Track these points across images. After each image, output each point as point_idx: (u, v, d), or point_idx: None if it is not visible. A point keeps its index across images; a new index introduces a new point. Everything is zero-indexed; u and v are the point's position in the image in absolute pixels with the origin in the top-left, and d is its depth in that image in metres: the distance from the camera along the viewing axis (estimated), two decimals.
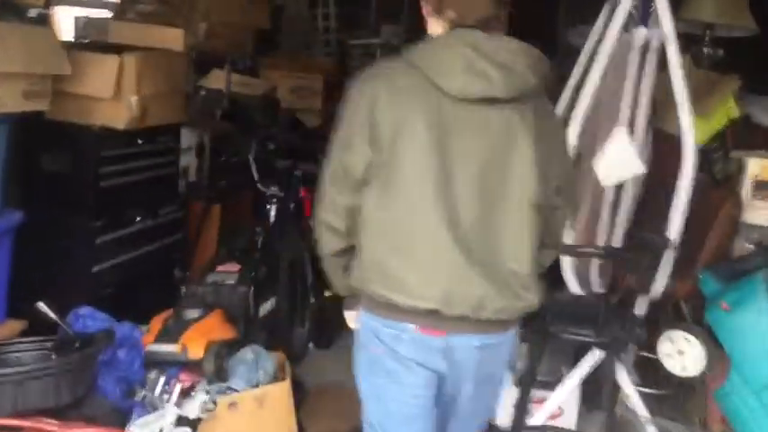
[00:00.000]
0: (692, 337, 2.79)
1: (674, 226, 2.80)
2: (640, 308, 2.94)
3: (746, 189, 3.19)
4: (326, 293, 4.15)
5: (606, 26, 3.28)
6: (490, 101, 1.74)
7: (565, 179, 1.93)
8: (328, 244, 1.87)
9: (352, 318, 1.96)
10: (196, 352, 2.82)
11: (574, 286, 3.00)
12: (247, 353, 2.91)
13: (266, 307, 3.44)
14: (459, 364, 1.84)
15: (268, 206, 4.02)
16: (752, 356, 2.62)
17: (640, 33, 2.83)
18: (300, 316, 3.79)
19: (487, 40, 1.75)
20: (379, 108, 1.73)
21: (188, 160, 3.79)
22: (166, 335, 2.88)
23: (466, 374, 1.86)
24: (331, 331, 4.08)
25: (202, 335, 2.90)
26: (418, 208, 1.74)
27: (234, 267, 3.43)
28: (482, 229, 1.77)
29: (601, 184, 2.88)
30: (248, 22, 4.57)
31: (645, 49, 2.86)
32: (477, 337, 1.82)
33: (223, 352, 2.88)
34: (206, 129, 3.93)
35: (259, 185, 3.99)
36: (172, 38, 3.20)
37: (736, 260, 2.99)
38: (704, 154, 3.44)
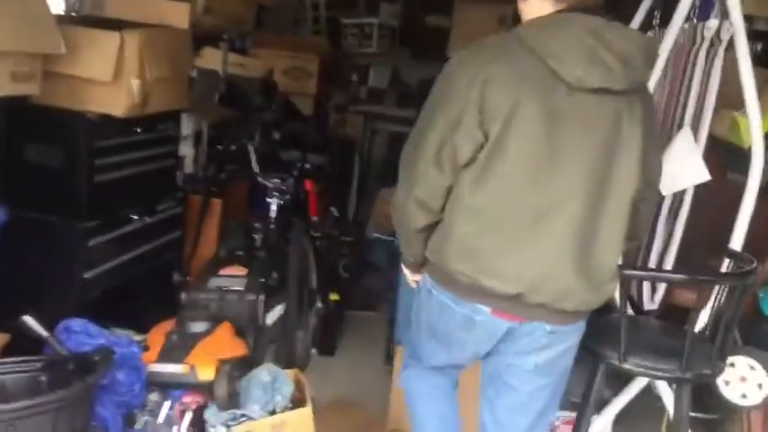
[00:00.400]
0: (757, 364, 2.56)
1: (737, 240, 2.56)
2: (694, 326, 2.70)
3: None
4: (333, 296, 3.86)
5: (650, 18, 3.09)
6: (606, 91, 1.71)
7: (657, 173, 1.92)
8: (417, 220, 1.85)
9: (410, 274, 2.08)
10: (206, 373, 2.50)
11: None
12: (262, 374, 2.58)
13: (274, 315, 3.11)
14: (524, 347, 1.85)
15: (269, 200, 3.68)
16: None
17: (712, 24, 2.55)
18: (305, 322, 3.47)
19: (608, 28, 1.71)
20: (491, 91, 1.68)
21: (184, 150, 3.41)
22: (171, 352, 2.55)
23: (528, 358, 1.87)
24: (335, 336, 3.79)
25: (211, 353, 2.57)
26: (517, 195, 1.73)
27: (240, 271, 3.09)
28: (581, 221, 1.75)
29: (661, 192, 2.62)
30: None
31: (713, 42, 2.58)
32: (550, 325, 1.83)
33: (235, 373, 2.56)
34: (209, 115, 3.55)
35: (259, 178, 3.66)
36: (176, 13, 2.82)
37: None
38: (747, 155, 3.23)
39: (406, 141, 1.89)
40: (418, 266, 2.00)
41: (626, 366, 2.08)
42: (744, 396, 2.59)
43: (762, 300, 2.66)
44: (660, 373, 2.09)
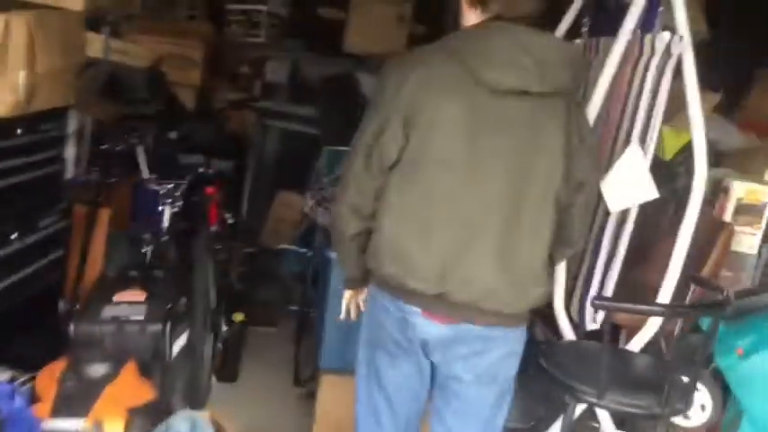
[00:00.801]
0: (701, 385, 2.51)
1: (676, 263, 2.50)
2: (635, 346, 2.63)
3: (729, 212, 2.97)
4: (237, 316, 3.50)
5: (577, 26, 3.00)
6: (524, 94, 1.78)
7: (588, 175, 1.92)
8: (350, 226, 1.89)
9: (351, 297, 2.09)
10: (115, 428, 2.09)
11: (569, 331, 2.61)
12: (180, 424, 2.20)
13: (178, 345, 2.71)
14: (460, 352, 1.86)
15: (161, 208, 3.27)
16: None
17: (665, 37, 2.45)
18: (209, 349, 3.09)
19: (529, 35, 1.81)
20: (415, 94, 1.77)
21: (66, 151, 2.91)
22: (69, 404, 2.13)
23: (466, 364, 1.88)
24: (238, 361, 3.42)
25: (118, 402, 2.17)
26: (440, 195, 1.78)
27: (137, 295, 2.68)
28: (502, 220, 1.79)
29: (609, 209, 2.51)
30: None
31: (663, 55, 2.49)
32: (478, 326, 1.84)
33: (148, 424, 2.17)
34: (91, 111, 3.06)
35: (147, 182, 3.24)
36: None
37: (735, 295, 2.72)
38: (668, 168, 3.23)
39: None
40: (359, 283, 2.03)
41: (603, 403, 1.92)
42: (687, 418, 2.54)
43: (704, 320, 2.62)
44: (639, 411, 1.95)
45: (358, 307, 2.11)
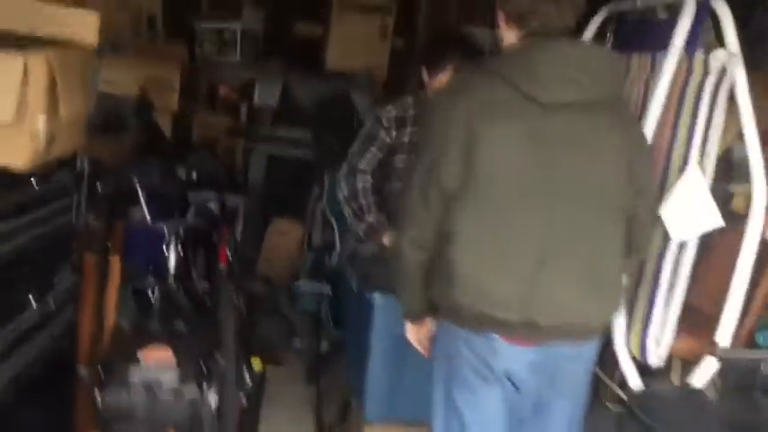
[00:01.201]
0: None
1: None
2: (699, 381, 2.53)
3: None
4: (255, 364, 3.25)
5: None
6: (581, 107, 1.80)
7: (647, 180, 1.98)
8: (412, 260, 1.88)
9: (415, 331, 2.05)
10: None
11: (632, 370, 2.48)
12: None
13: (213, 407, 2.47)
14: (548, 375, 1.87)
15: (167, 250, 3.04)
16: None
17: (721, 56, 2.35)
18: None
19: (573, 47, 1.87)
20: (470, 122, 1.76)
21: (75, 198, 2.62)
22: None
23: (557, 384, 1.89)
24: (258, 414, 3.17)
25: None
26: (510, 219, 1.77)
27: (164, 353, 2.43)
28: (577, 235, 1.79)
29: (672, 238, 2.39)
30: None
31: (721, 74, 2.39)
32: (567, 347, 1.85)
33: None
34: (100, 150, 2.79)
35: (151, 222, 2.99)
36: (84, 24, 2.09)
37: None
38: None
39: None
40: (421, 315, 2.00)
41: None
42: None
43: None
44: None
45: (426, 341, 2.07)
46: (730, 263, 2.53)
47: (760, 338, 2.58)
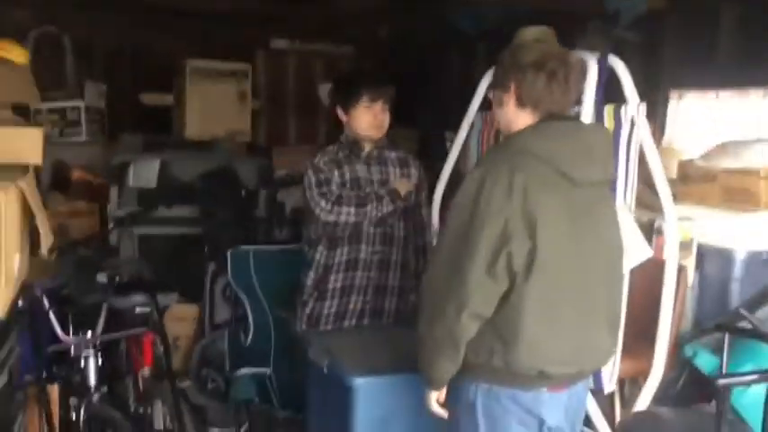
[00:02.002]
0: None
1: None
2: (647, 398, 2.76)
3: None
4: None
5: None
6: (599, 183, 2.11)
7: None
8: (470, 332, 1.96)
9: (435, 398, 2.12)
10: None
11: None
12: None
13: None
14: (572, 413, 2.11)
15: (84, 360, 2.80)
16: None
17: (630, 109, 2.62)
18: None
19: (587, 130, 2.17)
20: (531, 200, 1.91)
21: None
22: None
23: (573, 422, 2.13)
24: None
25: None
26: (562, 285, 1.96)
27: None
28: (606, 292, 2.09)
29: None
30: None
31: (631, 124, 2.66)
32: (582, 383, 2.14)
33: None
34: None
35: (62, 336, 2.74)
36: (29, 143, 1.88)
37: (703, 329, 2.96)
38: None
39: (432, 264, 2.09)
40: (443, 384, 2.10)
41: None
42: None
43: (696, 357, 2.81)
44: None
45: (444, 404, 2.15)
46: (647, 286, 2.83)
47: (689, 351, 2.87)
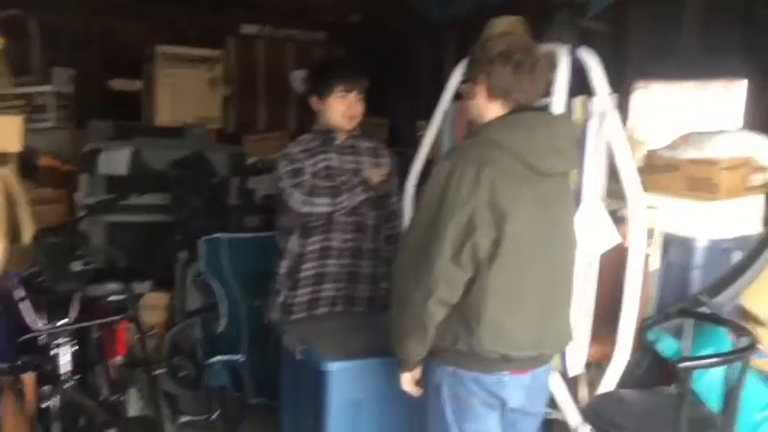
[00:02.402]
0: None
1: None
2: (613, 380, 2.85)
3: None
4: None
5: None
6: (562, 174, 2.19)
7: None
8: (437, 317, 2.05)
9: (410, 379, 2.22)
10: None
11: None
12: None
13: None
14: (533, 395, 2.18)
15: (55, 351, 2.80)
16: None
17: (596, 100, 2.69)
18: None
19: (556, 122, 2.25)
20: (497, 192, 1.99)
21: None
22: None
23: (534, 404, 2.22)
24: None
25: None
26: (529, 273, 2.06)
27: None
28: (562, 279, 2.20)
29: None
30: None
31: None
32: (545, 366, 2.22)
33: None
34: None
35: (32, 323, 2.74)
36: (8, 131, 1.88)
37: (665, 314, 3.05)
38: None
39: (401, 251, 2.14)
40: (419, 364, 2.19)
41: None
42: None
43: (659, 342, 2.91)
44: None
45: (418, 383, 2.25)
46: (613, 273, 2.91)
47: (651, 336, 2.97)
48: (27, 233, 1.74)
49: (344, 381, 2.52)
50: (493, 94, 2.12)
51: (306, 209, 2.88)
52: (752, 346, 2.33)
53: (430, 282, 1.99)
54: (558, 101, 2.71)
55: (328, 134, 3.03)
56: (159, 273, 3.91)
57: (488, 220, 1.98)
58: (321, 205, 2.89)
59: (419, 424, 2.68)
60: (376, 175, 3.02)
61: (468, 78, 2.20)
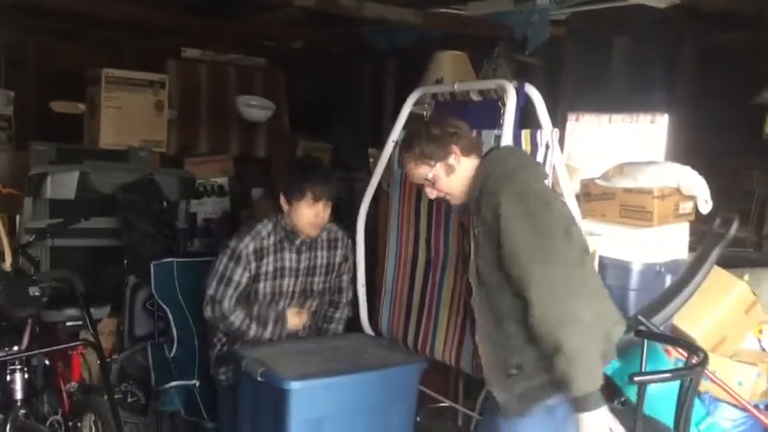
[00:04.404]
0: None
1: None
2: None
3: None
4: None
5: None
6: None
7: None
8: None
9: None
10: None
11: None
12: None
13: None
14: None
15: (8, 377, 2.80)
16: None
17: (546, 133, 2.87)
18: None
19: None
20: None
21: None
22: None
23: None
24: None
25: None
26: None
27: None
28: None
29: None
30: None
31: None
32: None
33: None
34: None
35: None
36: None
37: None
38: None
39: (536, 297, 2.07)
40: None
41: None
42: None
43: None
44: None
45: None
46: None
47: None
48: (8, 259, 1.75)
49: (306, 399, 2.59)
50: (466, 152, 2.38)
51: (226, 320, 2.99)
52: (704, 362, 2.46)
53: (584, 293, 2.07)
54: (506, 133, 2.89)
55: (291, 233, 3.06)
56: (104, 297, 3.88)
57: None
58: (240, 321, 3.00)
59: None
60: (297, 321, 3.11)
61: (435, 163, 2.36)
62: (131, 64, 5.19)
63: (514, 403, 2.19)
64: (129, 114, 4.75)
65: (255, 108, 5.40)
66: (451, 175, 2.37)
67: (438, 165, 2.37)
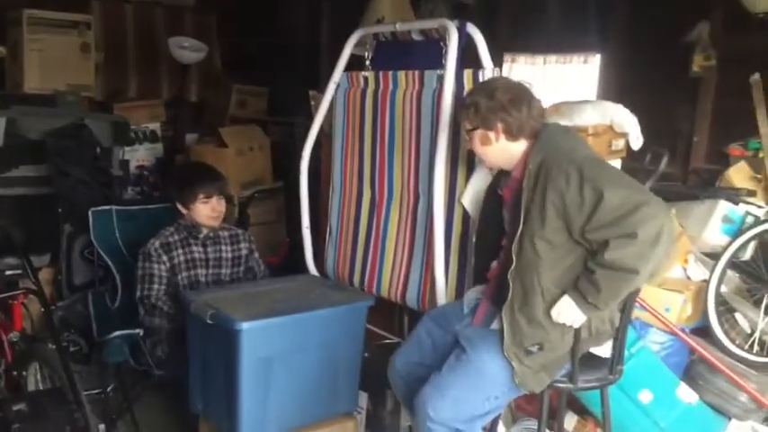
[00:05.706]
0: None
1: None
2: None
3: None
4: None
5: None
6: None
7: None
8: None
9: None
10: None
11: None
12: None
13: None
14: None
15: None
16: None
17: (488, 71, 2.90)
18: None
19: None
20: None
21: None
22: None
23: None
24: None
25: None
26: None
27: None
28: None
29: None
30: None
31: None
32: None
33: None
34: None
35: None
36: None
37: None
38: None
39: (618, 188, 2.14)
40: None
41: (579, 386, 2.40)
42: None
43: None
44: (600, 383, 2.47)
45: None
46: None
47: None
48: None
49: (256, 339, 2.62)
50: (513, 133, 2.36)
51: (146, 318, 3.16)
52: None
53: (661, 206, 2.12)
54: (449, 73, 2.92)
55: (193, 228, 3.28)
56: (38, 247, 3.78)
57: None
58: (159, 318, 3.17)
59: (329, 378, 2.88)
60: None
61: (476, 127, 2.39)
62: (54, 4, 4.93)
63: (530, 376, 2.29)
64: (53, 57, 4.55)
65: (188, 50, 5.22)
66: (486, 146, 2.41)
67: (479, 130, 2.40)
